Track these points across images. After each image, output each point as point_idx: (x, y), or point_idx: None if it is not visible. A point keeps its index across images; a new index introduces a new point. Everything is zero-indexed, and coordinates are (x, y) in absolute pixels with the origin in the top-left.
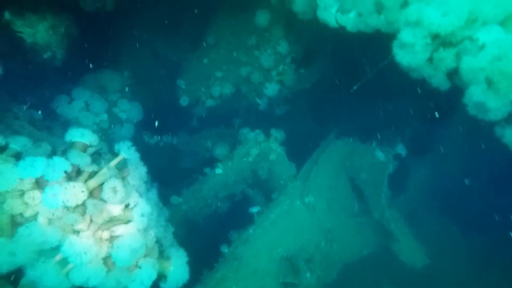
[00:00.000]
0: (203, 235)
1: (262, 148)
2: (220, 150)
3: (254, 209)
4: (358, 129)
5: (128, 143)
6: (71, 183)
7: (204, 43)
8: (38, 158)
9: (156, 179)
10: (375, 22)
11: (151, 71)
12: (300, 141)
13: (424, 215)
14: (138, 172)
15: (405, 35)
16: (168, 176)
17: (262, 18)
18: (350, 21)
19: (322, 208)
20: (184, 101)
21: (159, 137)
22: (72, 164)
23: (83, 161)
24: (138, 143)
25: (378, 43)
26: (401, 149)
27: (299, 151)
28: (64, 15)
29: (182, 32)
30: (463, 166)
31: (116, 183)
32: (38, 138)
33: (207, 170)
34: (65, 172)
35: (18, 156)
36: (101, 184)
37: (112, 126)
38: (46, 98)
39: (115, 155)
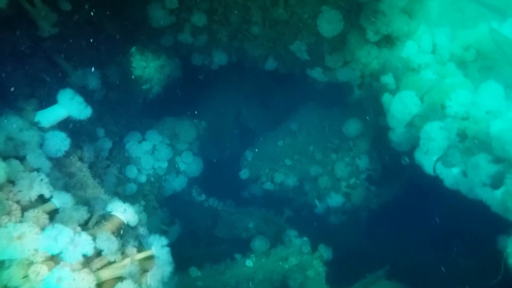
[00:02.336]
0: None
1: (303, 260)
2: (258, 243)
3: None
4: (414, 276)
5: (163, 241)
6: (82, 275)
7: (285, 125)
8: (65, 231)
9: (186, 236)
10: (486, 196)
11: (226, 131)
12: (345, 263)
13: None
14: (161, 272)
15: None
16: (198, 239)
17: (352, 126)
18: (451, 176)
19: None
20: (244, 174)
21: (206, 197)
22: (95, 248)
23: (109, 247)
24: (184, 194)
25: (478, 219)
26: None
27: (341, 275)
28: (175, 60)
29: (268, 105)
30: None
31: (131, 286)
32: (82, 197)
33: (238, 256)
34: (84, 256)
35: (52, 214)
36: (115, 278)
37: (168, 174)
38: (124, 126)
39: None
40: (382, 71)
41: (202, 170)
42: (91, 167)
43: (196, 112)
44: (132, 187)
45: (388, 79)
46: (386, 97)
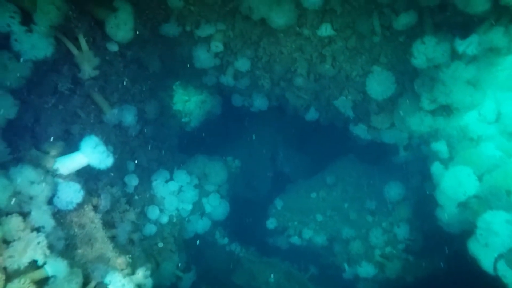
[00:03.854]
0: None
1: None
2: None
3: None
4: None
5: None
6: None
7: (321, 176)
8: None
9: (202, 277)
10: None
11: (259, 172)
12: None
13: None
14: None
15: None
16: (214, 281)
17: (393, 189)
18: None
19: None
20: (271, 223)
21: (229, 240)
22: None
23: None
24: (207, 235)
25: None
26: None
27: None
28: (216, 97)
29: (305, 152)
30: None
31: None
32: (84, 256)
33: None
34: None
35: (42, 283)
36: None
37: (192, 215)
38: (156, 161)
39: None
40: (434, 135)
41: (228, 213)
42: (108, 213)
43: (231, 150)
44: (151, 229)
45: (440, 147)
46: (436, 167)
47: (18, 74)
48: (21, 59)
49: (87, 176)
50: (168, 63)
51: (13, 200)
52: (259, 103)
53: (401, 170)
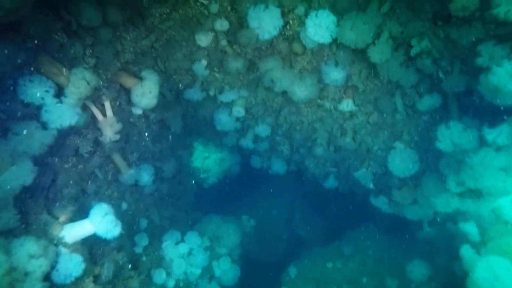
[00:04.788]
0: None
1: None
2: None
3: None
4: None
5: None
6: None
7: (338, 244)
8: None
9: None
10: None
11: (274, 233)
12: None
13: None
14: None
15: None
16: None
17: (417, 268)
18: None
19: None
20: None
21: None
22: None
23: None
24: None
25: None
26: None
27: None
28: (236, 157)
29: (323, 218)
30: None
31: None
32: None
33: None
34: None
35: None
36: None
37: (200, 279)
38: (169, 219)
39: None
40: (462, 214)
41: (239, 279)
42: (110, 281)
43: (247, 209)
44: None
45: (469, 228)
46: (466, 250)
47: (42, 141)
48: (48, 128)
49: (92, 243)
50: (190, 123)
51: (5, 279)
52: (278, 167)
53: (426, 246)
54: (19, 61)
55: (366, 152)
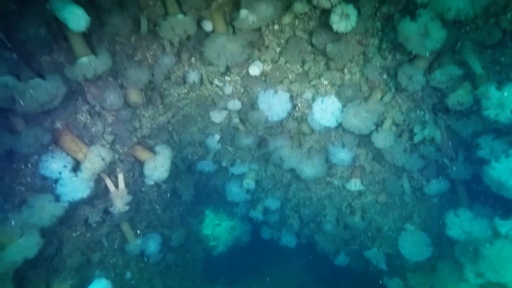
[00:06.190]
0: None
1: None
2: None
3: None
4: None
5: None
6: None
7: None
8: None
9: None
10: None
11: None
12: None
13: None
14: None
15: None
16: None
17: None
18: None
19: None
20: None
21: None
22: None
23: None
24: None
25: None
26: None
27: None
28: (247, 226)
29: None
30: None
31: None
32: None
33: None
34: None
35: None
36: None
37: None
38: None
39: None
40: None
41: None
42: None
43: (256, 279)
44: None
45: None
46: None
47: (52, 214)
48: (60, 201)
49: None
50: (202, 191)
51: None
52: (288, 239)
53: None
54: (45, 142)
55: (376, 231)
